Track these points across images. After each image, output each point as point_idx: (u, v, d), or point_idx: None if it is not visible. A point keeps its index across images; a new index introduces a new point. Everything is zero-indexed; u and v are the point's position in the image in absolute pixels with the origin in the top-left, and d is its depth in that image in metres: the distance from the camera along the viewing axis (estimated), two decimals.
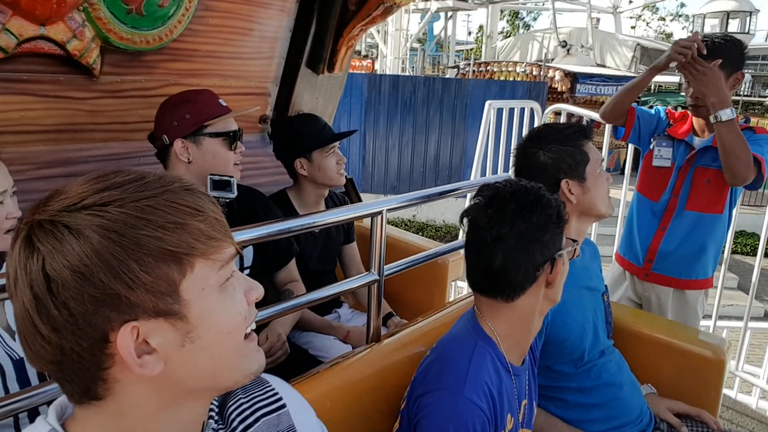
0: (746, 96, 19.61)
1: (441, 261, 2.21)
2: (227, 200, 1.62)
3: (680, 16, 32.81)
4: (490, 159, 4.46)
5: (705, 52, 1.98)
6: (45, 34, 1.54)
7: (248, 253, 1.75)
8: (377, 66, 17.55)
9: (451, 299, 2.30)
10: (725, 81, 2.01)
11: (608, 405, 1.50)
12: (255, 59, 2.19)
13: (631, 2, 21.17)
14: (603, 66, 16.43)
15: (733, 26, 19.08)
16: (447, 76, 16.94)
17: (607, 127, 3.72)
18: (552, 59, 16.56)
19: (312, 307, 1.93)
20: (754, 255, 3.36)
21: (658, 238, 2.22)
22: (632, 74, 14.41)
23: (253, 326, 0.69)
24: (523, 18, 33.73)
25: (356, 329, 1.96)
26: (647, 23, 31.15)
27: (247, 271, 1.75)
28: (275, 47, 2.24)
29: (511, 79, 12.90)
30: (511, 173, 1.65)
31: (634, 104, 2.30)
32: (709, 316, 3.36)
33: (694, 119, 2.19)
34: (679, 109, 2.34)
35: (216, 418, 0.75)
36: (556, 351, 1.47)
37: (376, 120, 10.91)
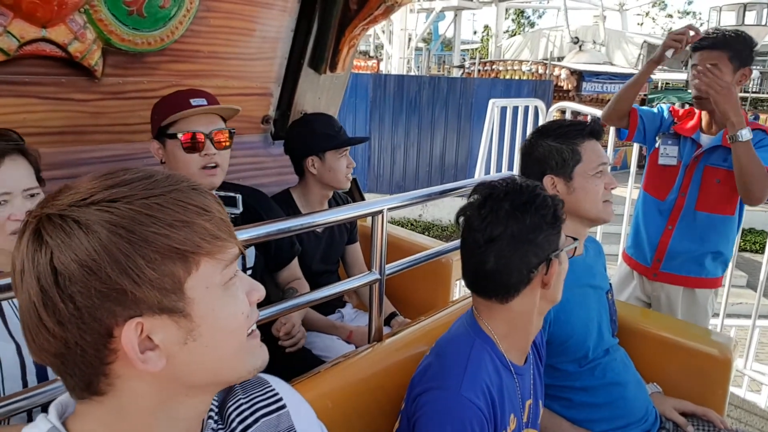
0: (755, 93, 19.44)
1: (445, 260, 2.20)
2: (233, 215, 1.61)
3: (688, 13, 32.61)
4: (494, 158, 4.45)
5: (700, 37, 1.99)
6: (46, 37, 1.55)
7: (250, 254, 1.75)
8: (382, 66, 17.55)
9: (455, 298, 2.29)
10: (732, 76, 1.99)
11: (613, 404, 1.49)
12: (257, 60, 2.19)
13: None
14: (610, 63, 16.33)
15: (750, 18, 18.90)
16: (452, 75, 16.91)
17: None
18: (562, 57, 16.50)
19: (315, 307, 1.93)
20: (763, 252, 3.32)
21: (667, 237, 2.20)
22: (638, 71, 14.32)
23: (254, 327, 0.69)
24: (529, 17, 33.63)
25: (359, 329, 1.96)
26: (654, 20, 30.94)
27: (249, 272, 1.75)
28: (277, 47, 2.24)
29: (517, 77, 12.84)
30: (516, 170, 1.64)
31: (635, 105, 2.28)
32: (718, 314, 3.33)
33: (703, 115, 2.16)
34: (686, 106, 2.32)
35: (216, 418, 0.75)
36: (560, 350, 1.46)
37: (381, 120, 10.90)
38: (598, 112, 4.02)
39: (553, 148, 1.49)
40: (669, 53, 2.09)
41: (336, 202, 2.22)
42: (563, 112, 4.33)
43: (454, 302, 1.85)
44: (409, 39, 15.75)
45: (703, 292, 2.21)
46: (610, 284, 1.68)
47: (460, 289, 3.11)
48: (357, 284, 1.50)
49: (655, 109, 2.32)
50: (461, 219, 1.18)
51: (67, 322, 0.56)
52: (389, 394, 1.32)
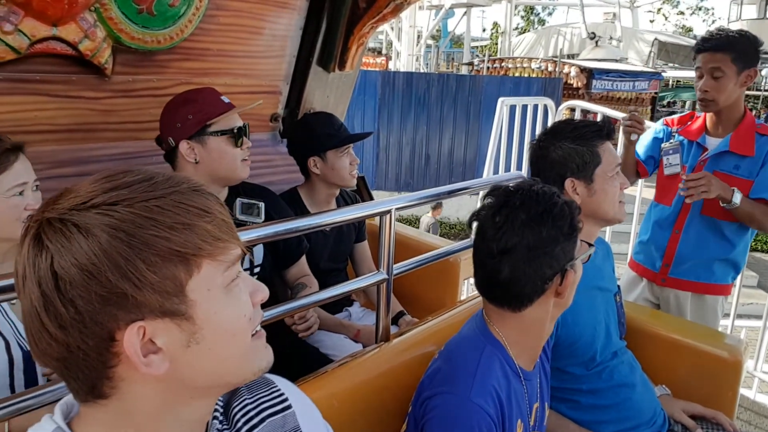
0: (767, 91, 19.21)
1: (453, 259, 2.19)
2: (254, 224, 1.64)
3: (700, 9, 32.27)
4: (502, 157, 4.42)
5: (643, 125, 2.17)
6: (57, 35, 1.56)
7: (258, 252, 1.76)
8: (391, 63, 17.52)
9: (463, 297, 2.28)
10: (736, 77, 1.97)
11: (621, 406, 1.48)
12: (266, 57, 2.19)
13: None
14: (619, 61, 16.21)
15: None
16: (461, 72, 16.86)
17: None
18: (574, 54, 16.39)
19: (323, 306, 1.93)
20: None
21: (674, 242, 2.17)
22: (649, 69, 14.21)
23: (258, 327, 0.68)
24: (539, 14, 33.44)
25: (366, 328, 1.96)
26: (666, 17, 30.64)
27: (257, 269, 1.76)
28: (286, 45, 2.24)
29: (526, 75, 12.79)
30: (525, 168, 1.63)
31: (636, 154, 2.32)
32: (728, 315, 3.29)
33: (708, 117, 2.14)
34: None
35: (221, 418, 0.74)
36: (567, 352, 1.45)
37: (390, 117, 10.89)
38: (608, 111, 4.01)
39: (573, 150, 1.47)
40: (634, 137, 2.24)
41: (344, 200, 2.22)
42: (573, 110, 4.31)
43: (462, 302, 1.85)
44: (419, 36, 15.71)
45: (712, 298, 2.19)
46: (619, 286, 1.67)
47: (468, 288, 3.11)
48: (365, 284, 1.50)
49: (650, 136, 2.32)
50: (474, 224, 1.16)
51: (69, 327, 0.56)
52: (396, 395, 1.31)
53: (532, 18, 32.98)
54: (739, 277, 2.97)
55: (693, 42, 2.29)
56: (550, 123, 3.79)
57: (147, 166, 1.95)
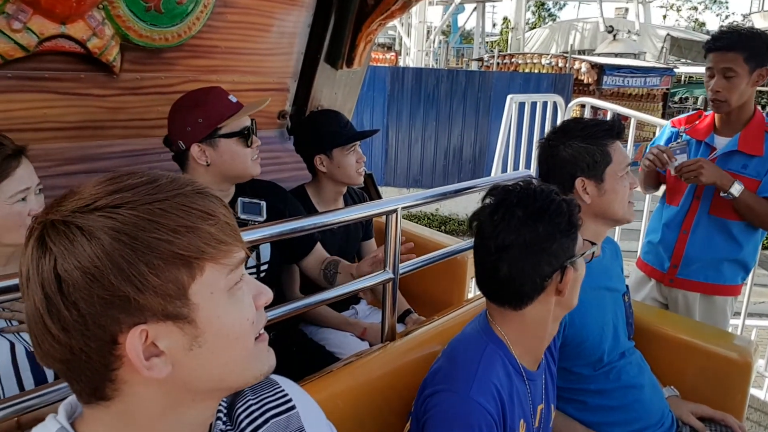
0: None
1: (460, 257, 2.18)
2: (255, 222, 1.64)
3: (714, 2, 31.86)
4: (511, 155, 4.40)
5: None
6: (65, 33, 1.57)
7: (265, 249, 1.76)
8: (401, 59, 17.47)
9: (470, 296, 2.27)
10: (748, 77, 1.94)
11: (628, 407, 1.47)
12: (273, 55, 2.19)
13: None
14: (638, 55, 16.01)
15: None
16: (470, 68, 16.77)
17: (633, 121, 3.65)
18: (584, 50, 16.22)
19: (329, 304, 1.93)
20: None
21: (682, 243, 2.15)
22: (661, 65, 14.05)
23: (262, 330, 0.68)
24: (549, 9, 33.18)
25: (373, 326, 1.96)
26: (678, 11, 30.26)
27: (264, 266, 1.76)
28: (294, 43, 2.23)
29: (536, 71, 12.68)
30: (533, 168, 1.62)
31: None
32: (738, 314, 3.26)
33: (716, 115, 2.11)
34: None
35: (224, 419, 0.74)
36: (575, 353, 1.44)
37: (398, 113, 10.85)
38: (618, 108, 3.98)
39: (583, 149, 1.46)
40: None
41: (351, 197, 2.22)
42: (583, 107, 4.27)
43: (468, 301, 1.84)
44: (428, 32, 15.65)
45: (722, 299, 2.16)
46: (627, 286, 1.65)
47: (475, 287, 3.10)
48: (371, 283, 1.50)
49: (661, 141, 2.27)
50: (474, 224, 1.16)
51: (72, 329, 0.56)
52: (401, 395, 1.31)
53: (542, 13, 32.73)
54: (750, 276, 2.94)
55: (706, 37, 2.26)
56: (559, 120, 3.76)
57: (155, 163, 1.95)
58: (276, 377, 0.85)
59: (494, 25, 34.41)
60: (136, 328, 0.57)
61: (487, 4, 20.96)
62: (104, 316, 0.56)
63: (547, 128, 3.56)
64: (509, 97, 4.23)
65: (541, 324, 1.15)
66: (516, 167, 4.51)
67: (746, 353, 1.63)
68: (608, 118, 3.46)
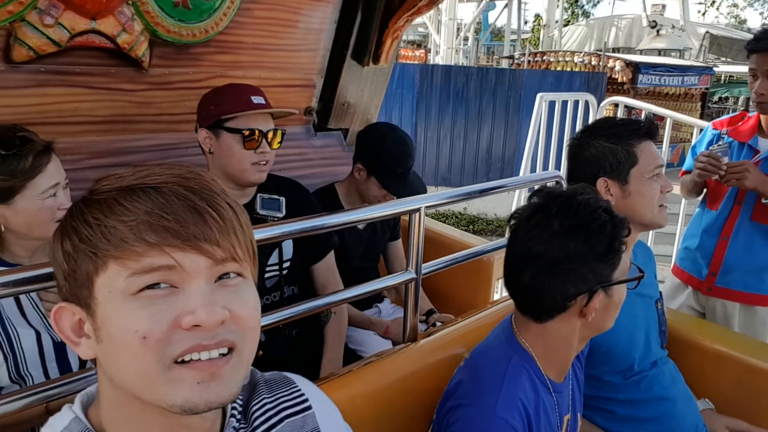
0: None
1: (486, 258, 2.15)
2: (274, 218, 1.65)
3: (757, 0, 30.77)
4: (540, 154, 4.31)
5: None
6: (96, 28, 1.59)
7: (287, 247, 1.75)
8: (430, 56, 17.38)
9: (496, 298, 2.23)
10: None
11: (660, 420, 1.41)
12: (300, 51, 2.18)
13: None
14: (683, 51, 15.55)
15: None
16: (501, 66, 16.59)
17: (668, 121, 3.54)
18: (633, 47, 15.83)
19: (352, 303, 1.92)
20: None
21: (722, 250, 2.06)
22: (699, 63, 13.63)
23: (188, 357, 0.58)
24: (583, 5, 32.56)
25: (395, 323, 1.94)
26: (717, 7, 29.28)
27: (287, 264, 1.75)
28: (320, 39, 2.22)
29: (569, 69, 12.45)
30: (563, 168, 1.57)
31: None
32: None
33: (761, 116, 2.02)
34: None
35: (238, 416, 0.73)
36: (603, 359, 1.39)
37: (427, 111, 10.79)
38: (653, 107, 3.86)
39: (607, 148, 1.41)
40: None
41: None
42: (616, 106, 4.16)
43: (494, 303, 1.80)
44: (458, 29, 15.52)
45: (764, 309, 2.06)
46: (660, 293, 1.59)
47: (501, 289, 3.05)
48: (392, 283, 1.47)
49: (702, 146, 2.18)
50: (511, 222, 1.11)
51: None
52: (421, 399, 1.28)
53: (576, 10, 32.14)
54: None
55: (747, 35, 2.17)
56: (591, 120, 3.67)
57: (183, 157, 1.97)
58: (293, 376, 0.84)
59: (525, 23, 33.96)
60: (67, 303, 0.62)
61: (518, 1, 20.68)
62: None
63: (578, 128, 3.48)
64: (539, 95, 4.15)
65: (564, 342, 1.09)
66: (545, 167, 4.42)
67: None
68: (642, 117, 3.36)
